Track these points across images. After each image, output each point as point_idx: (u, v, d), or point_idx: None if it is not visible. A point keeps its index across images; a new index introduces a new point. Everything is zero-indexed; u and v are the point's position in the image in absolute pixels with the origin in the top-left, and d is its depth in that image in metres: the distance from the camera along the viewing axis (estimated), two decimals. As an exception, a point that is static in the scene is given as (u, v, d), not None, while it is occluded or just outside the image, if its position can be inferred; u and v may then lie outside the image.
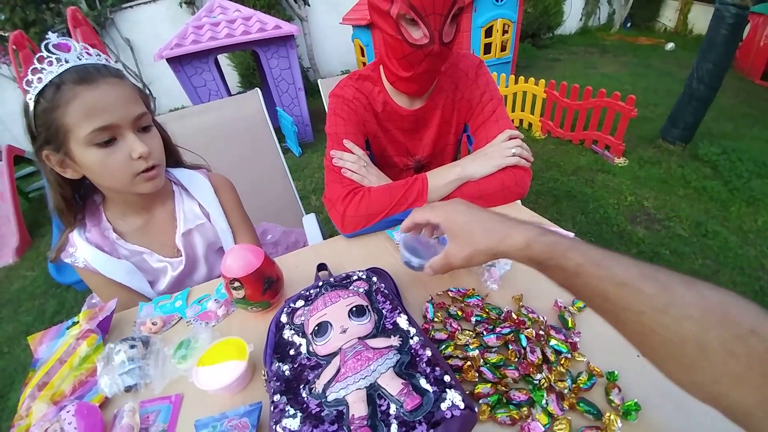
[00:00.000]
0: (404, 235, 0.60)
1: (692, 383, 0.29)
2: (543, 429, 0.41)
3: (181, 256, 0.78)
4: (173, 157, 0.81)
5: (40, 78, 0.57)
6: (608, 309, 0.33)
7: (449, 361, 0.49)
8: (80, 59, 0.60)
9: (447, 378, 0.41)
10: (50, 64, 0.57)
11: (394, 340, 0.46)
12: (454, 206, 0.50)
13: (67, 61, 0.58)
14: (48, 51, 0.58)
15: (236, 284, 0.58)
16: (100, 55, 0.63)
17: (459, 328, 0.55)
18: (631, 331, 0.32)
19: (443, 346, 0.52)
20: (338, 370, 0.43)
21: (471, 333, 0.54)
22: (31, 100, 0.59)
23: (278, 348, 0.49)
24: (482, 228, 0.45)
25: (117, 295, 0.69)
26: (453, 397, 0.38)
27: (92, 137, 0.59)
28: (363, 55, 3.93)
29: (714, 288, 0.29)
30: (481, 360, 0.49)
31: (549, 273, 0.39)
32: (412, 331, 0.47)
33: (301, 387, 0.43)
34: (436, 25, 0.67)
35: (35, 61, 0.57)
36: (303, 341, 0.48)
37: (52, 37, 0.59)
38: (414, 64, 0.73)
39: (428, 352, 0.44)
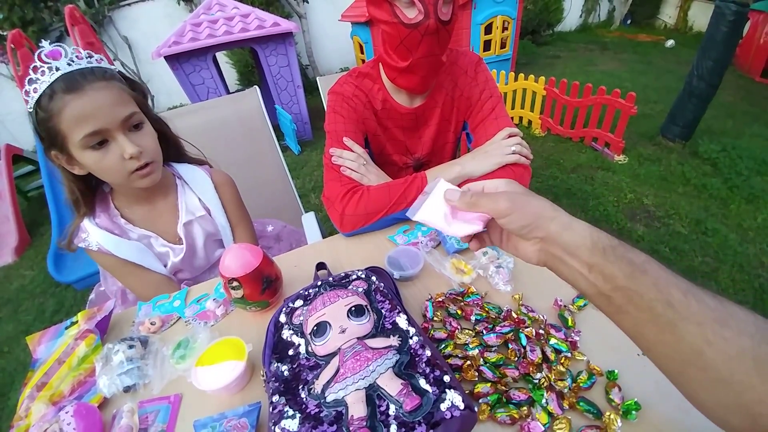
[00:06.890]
0: (389, 253, 0.67)
1: (739, 404, 0.28)
2: (543, 428, 0.41)
3: (182, 243, 0.81)
4: (174, 151, 0.84)
5: (35, 89, 0.60)
6: (667, 317, 0.30)
7: (449, 361, 0.49)
8: (70, 65, 0.61)
9: (447, 378, 0.40)
10: (42, 74, 0.60)
11: (394, 340, 0.46)
12: (513, 187, 0.41)
13: (57, 69, 0.60)
14: (41, 61, 0.59)
15: (235, 284, 0.57)
16: (91, 56, 0.65)
17: (459, 327, 0.55)
18: (686, 345, 0.30)
19: (443, 346, 0.52)
20: (337, 371, 0.42)
21: (471, 332, 0.54)
22: (31, 109, 0.62)
23: (277, 348, 0.49)
24: (550, 206, 0.38)
25: (132, 274, 0.77)
26: (453, 397, 0.38)
27: (85, 142, 0.62)
28: (362, 53, 3.91)
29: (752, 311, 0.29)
30: (481, 359, 0.49)
31: (613, 266, 0.34)
32: (412, 330, 0.47)
33: (300, 387, 0.43)
34: None
35: (30, 71, 0.59)
36: (302, 341, 0.48)
37: (45, 45, 0.60)
38: (411, 49, 0.71)
39: (428, 352, 0.43)
